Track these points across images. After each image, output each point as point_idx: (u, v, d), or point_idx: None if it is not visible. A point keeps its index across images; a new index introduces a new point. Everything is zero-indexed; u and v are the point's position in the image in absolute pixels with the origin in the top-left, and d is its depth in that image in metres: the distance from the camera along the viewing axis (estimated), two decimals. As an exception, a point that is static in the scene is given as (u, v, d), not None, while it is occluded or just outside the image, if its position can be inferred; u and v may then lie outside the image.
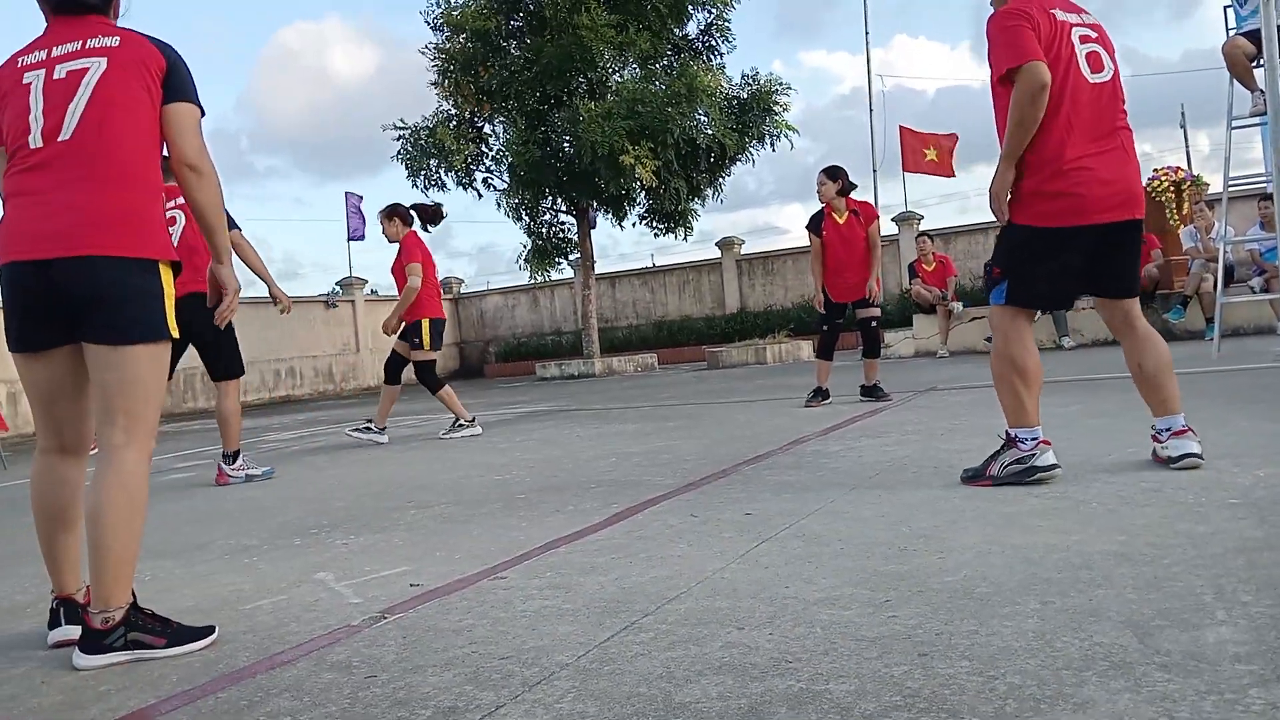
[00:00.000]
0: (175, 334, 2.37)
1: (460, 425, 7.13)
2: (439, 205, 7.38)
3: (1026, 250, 3.40)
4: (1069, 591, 2.07)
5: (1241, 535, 2.41)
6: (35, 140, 2.28)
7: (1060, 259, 3.37)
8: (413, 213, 7.17)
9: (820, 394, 6.96)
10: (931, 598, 2.12)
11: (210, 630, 2.31)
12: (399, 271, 7.04)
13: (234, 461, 5.53)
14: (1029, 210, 3.37)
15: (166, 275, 2.35)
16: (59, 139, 2.26)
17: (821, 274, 7.05)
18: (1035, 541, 2.52)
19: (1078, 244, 3.34)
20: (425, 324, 6.95)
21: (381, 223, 7.12)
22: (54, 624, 2.40)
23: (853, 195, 7.04)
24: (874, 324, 7.13)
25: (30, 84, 2.31)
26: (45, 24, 2.45)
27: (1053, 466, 3.31)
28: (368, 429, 7.23)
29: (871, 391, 6.95)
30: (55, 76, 2.30)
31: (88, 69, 2.29)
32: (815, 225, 7.03)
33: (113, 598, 2.21)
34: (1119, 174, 3.34)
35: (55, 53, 2.34)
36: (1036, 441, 3.34)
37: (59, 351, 2.31)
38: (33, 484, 2.40)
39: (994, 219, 3.50)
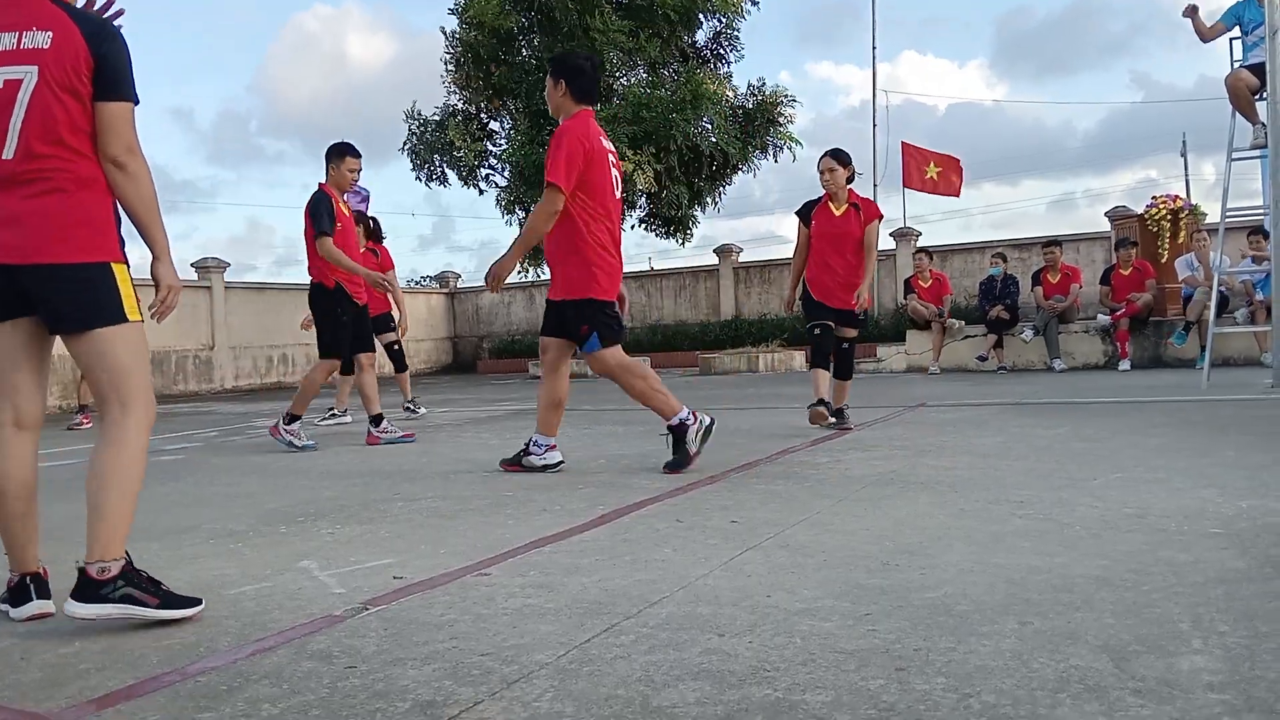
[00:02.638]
0: (136, 317, 2.43)
1: (333, 414, 8.25)
2: (377, 221, 8.72)
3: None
4: (1048, 613, 2.09)
5: (1222, 565, 2.43)
6: None
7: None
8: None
9: (822, 406, 5.92)
10: (912, 613, 2.13)
11: (199, 601, 2.37)
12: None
13: (290, 423, 6.45)
14: (595, 286, 4.54)
15: (120, 270, 2.42)
16: (3, 156, 2.32)
17: (802, 269, 6.18)
18: (1018, 562, 2.54)
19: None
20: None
21: None
22: (22, 600, 2.43)
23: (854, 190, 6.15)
24: (847, 345, 6.22)
25: None
26: None
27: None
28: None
29: (837, 414, 6.07)
30: None
31: (21, 81, 2.31)
32: (805, 214, 6.13)
33: (109, 551, 2.29)
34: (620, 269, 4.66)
35: None
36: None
37: (14, 321, 2.40)
38: None
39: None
